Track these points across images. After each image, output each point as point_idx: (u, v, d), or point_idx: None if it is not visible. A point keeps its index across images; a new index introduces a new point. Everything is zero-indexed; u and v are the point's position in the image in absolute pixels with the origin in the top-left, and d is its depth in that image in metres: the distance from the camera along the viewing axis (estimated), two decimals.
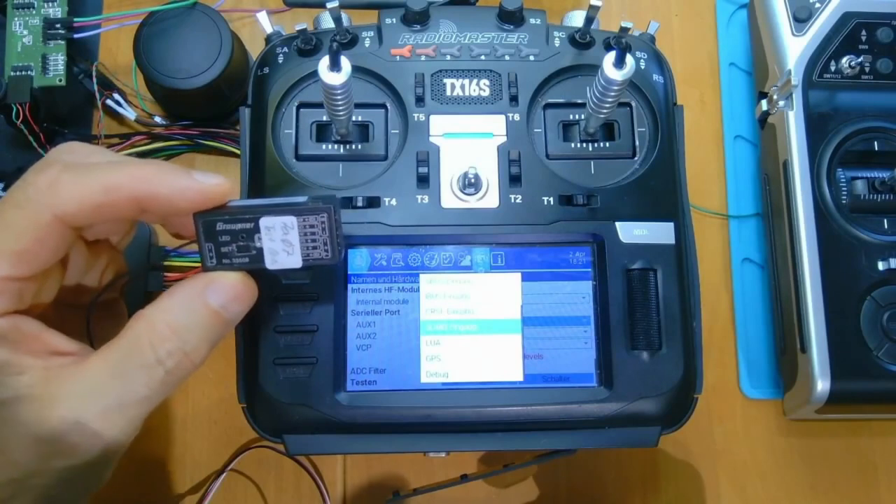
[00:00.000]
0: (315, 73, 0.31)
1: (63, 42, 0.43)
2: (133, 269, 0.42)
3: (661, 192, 0.36)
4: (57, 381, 0.23)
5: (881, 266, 0.40)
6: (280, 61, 0.37)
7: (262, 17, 0.37)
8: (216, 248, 0.25)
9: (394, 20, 0.37)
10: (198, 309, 0.25)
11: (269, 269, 0.26)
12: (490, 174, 0.35)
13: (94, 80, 0.44)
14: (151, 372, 0.24)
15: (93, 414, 0.23)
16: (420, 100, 0.36)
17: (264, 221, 0.25)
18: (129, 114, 0.45)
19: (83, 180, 0.24)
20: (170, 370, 0.24)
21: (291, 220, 0.25)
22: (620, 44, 0.32)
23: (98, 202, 0.24)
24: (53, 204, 0.23)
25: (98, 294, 0.29)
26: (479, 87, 0.37)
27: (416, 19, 0.37)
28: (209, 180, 0.25)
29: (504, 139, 0.36)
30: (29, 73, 0.43)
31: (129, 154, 0.44)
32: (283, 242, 0.25)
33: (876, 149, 0.42)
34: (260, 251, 0.26)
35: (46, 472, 0.23)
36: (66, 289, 0.28)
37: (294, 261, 0.26)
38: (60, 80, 0.43)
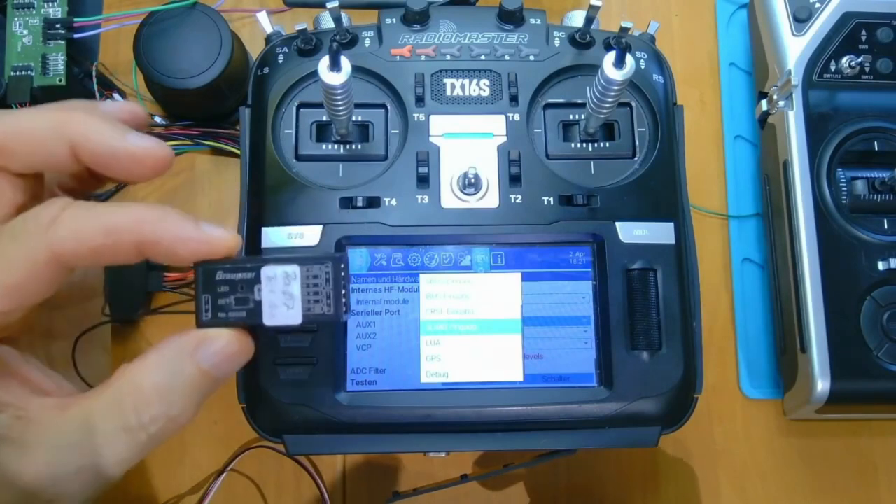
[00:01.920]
0: (315, 73, 0.31)
1: (63, 42, 0.43)
2: (133, 270, 0.42)
3: (661, 192, 0.36)
4: (35, 428, 0.22)
5: (881, 266, 0.40)
6: (280, 61, 0.37)
7: (262, 17, 0.37)
8: (213, 299, 0.24)
9: (394, 20, 0.37)
10: (187, 371, 0.23)
11: (265, 326, 0.25)
12: (490, 174, 0.35)
13: (94, 80, 0.44)
14: (133, 436, 0.23)
15: (70, 471, 0.22)
16: (420, 100, 0.36)
17: (266, 271, 0.24)
18: None
19: (85, 219, 0.23)
20: (153, 435, 0.23)
21: (294, 270, 0.24)
22: (620, 44, 0.32)
23: (98, 243, 0.23)
24: (52, 241, 0.22)
25: (85, 331, 0.28)
26: (479, 87, 0.37)
27: (416, 19, 0.37)
28: (216, 233, 0.24)
29: (504, 139, 0.36)
30: (29, 73, 0.43)
31: None
32: (283, 294, 0.24)
33: (876, 149, 0.42)
34: (258, 304, 0.24)
35: None
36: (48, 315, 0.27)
37: (293, 316, 0.24)
38: (60, 80, 0.43)
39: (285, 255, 0.25)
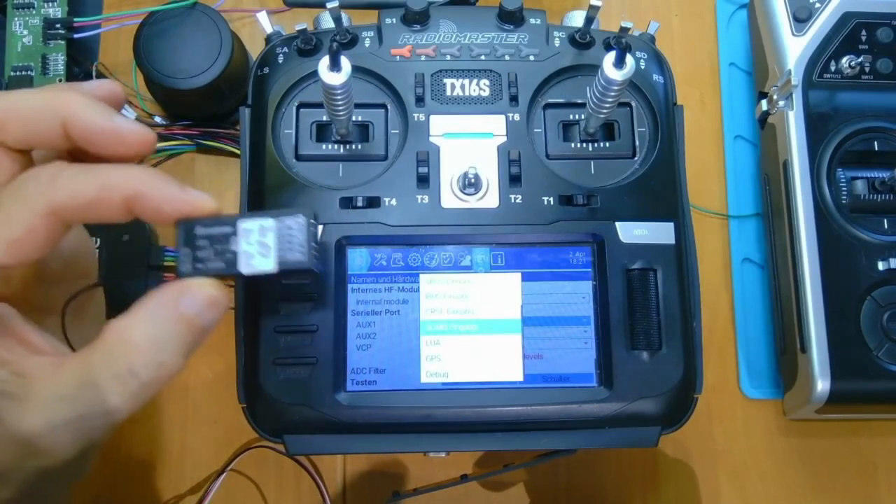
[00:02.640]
0: (315, 73, 0.31)
1: (63, 42, 0.43)
2: (133, 269, 0.42)
3: (661, 192, 0.36)
4: (32, 383, 0.24)
5: (881, 266, 0.40)
6: (280, 61, 0.37)
7: (262, 17, 0.37)
8: (192, 253, 0.26)
9: (394, 20, 0.37)
10: (172, 318, 0.25)
11: (243, 274, 0.26)
12: (490, 174, 0.35)
13: (94, 80, 0.44)
14: (125, 383, 0.24)
15: (65, 421, 0.23)
16: (420, 100, 0.36)
17: (242, 224, 0.26)
18: (129, 114, 0.45)
19: (81, 176, 0.25)
20: (145, 382, 0.24)
21: (270, 222, 0.26)
22: (620, 44, 0.32)
23: (91, 198, 0.24)
24: (50, 196, 0.24)
25: (74, 295, 0.29)
26: (479, 87, 0.37)
27: (416, 19, 0.37)
28: (199, 195, 0.26)
29: (504, 139, 0.36)
30: (29, 73, 0.43)
31: None
32: (259, 245, 0.26)
33: (876, 149, 0.42)
34: (235, 255, 0.26)
35: (24, 469, 0.24)
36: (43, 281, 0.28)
37: (268, 264, 0.26)
38: (60, 80, 0.43)
39: (260, 212, 0.26)
